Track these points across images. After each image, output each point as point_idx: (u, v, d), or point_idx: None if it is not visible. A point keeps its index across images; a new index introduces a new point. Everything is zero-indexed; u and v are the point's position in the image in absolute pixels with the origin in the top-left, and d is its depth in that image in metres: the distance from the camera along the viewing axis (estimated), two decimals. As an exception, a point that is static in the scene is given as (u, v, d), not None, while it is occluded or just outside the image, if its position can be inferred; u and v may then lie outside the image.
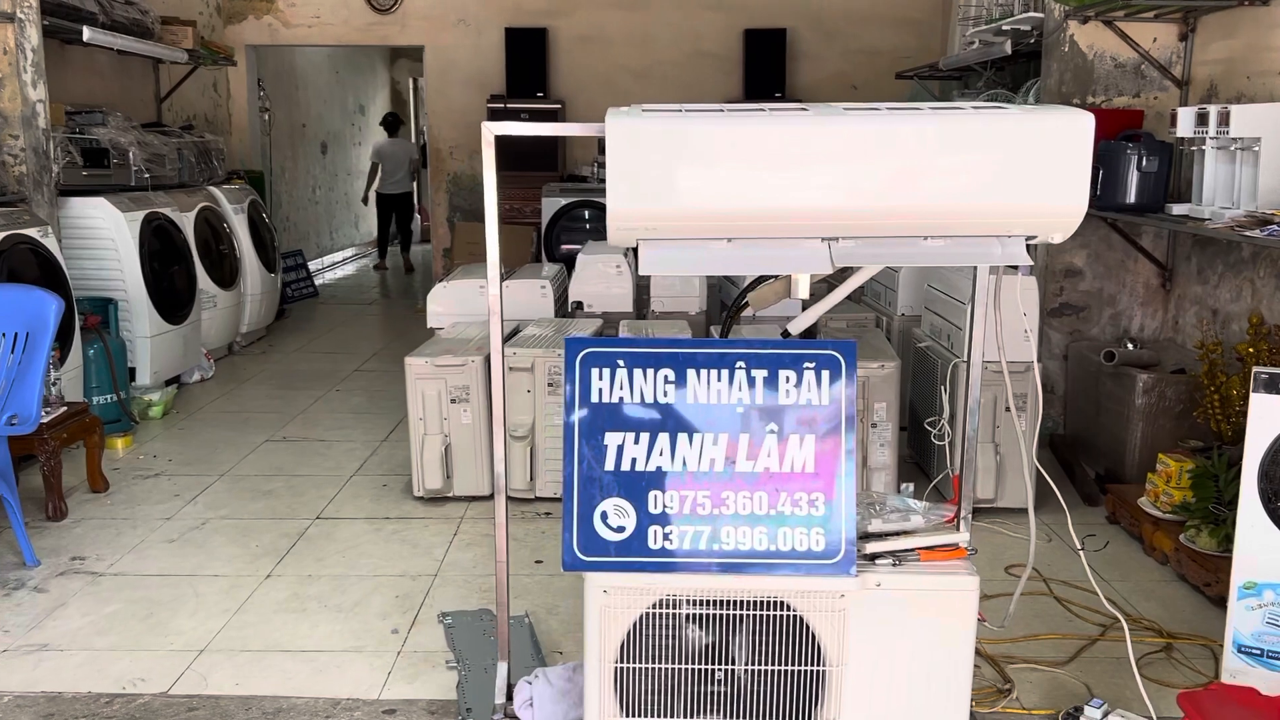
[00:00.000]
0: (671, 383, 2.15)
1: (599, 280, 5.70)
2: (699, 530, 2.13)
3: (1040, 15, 5.36)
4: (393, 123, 12.41)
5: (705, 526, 2.13)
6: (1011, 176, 2.10)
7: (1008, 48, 5.81)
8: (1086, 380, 4.99)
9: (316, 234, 12.20)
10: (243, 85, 9.55)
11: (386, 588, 3.66)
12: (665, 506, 2.13)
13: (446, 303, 5.51)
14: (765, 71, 9.30)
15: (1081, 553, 2.77)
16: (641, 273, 2.15)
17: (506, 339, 4.79)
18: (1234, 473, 3.73)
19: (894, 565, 2.21)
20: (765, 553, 2.13)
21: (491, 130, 2.39)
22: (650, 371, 2.14)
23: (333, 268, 12.56)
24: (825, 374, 2.15)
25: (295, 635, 3.31)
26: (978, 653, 3.08)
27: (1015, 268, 2.41)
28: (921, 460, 4.88)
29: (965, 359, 4.33)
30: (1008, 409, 4.32)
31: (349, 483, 4.76)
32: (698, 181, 2.10)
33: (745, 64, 9.36)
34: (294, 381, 6.73)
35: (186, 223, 6.66)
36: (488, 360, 4.48)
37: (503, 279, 5.82)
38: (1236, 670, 2.95)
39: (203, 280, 6.78)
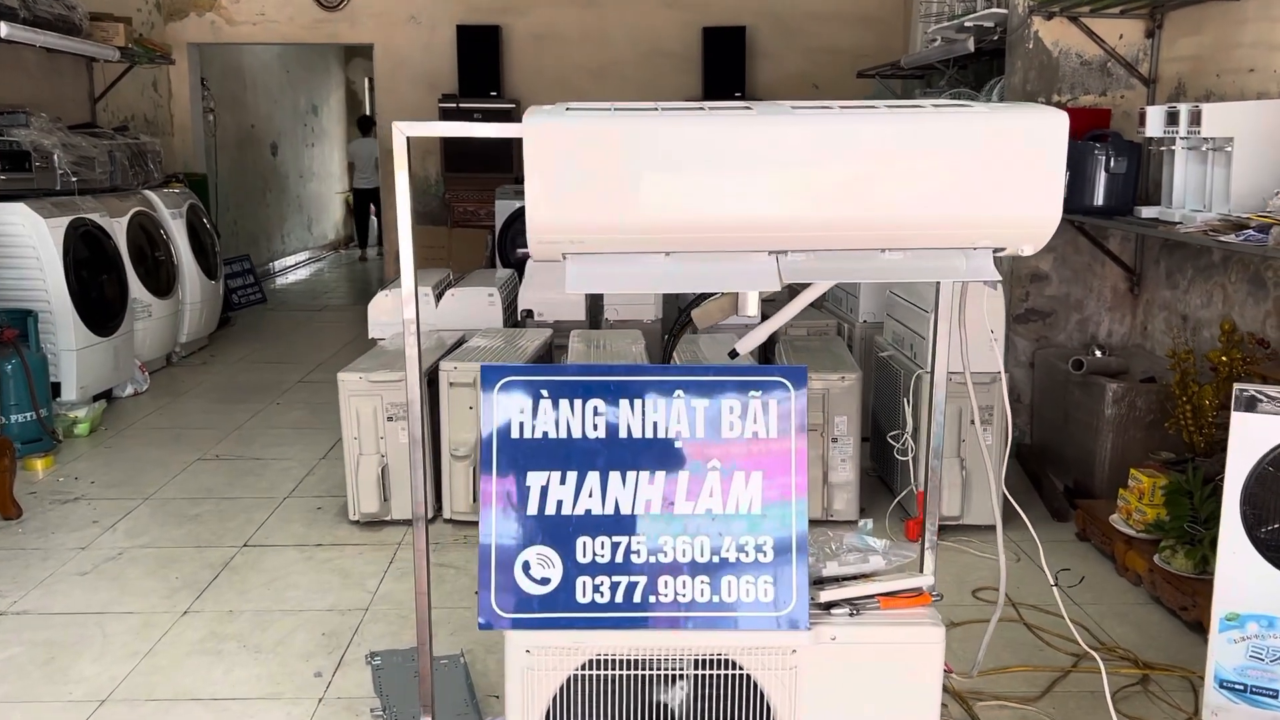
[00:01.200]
0: (601, 415, 1.91)
1: (550, 287, 5.46)
2: (633, 581, 1.90)
3: (1004, 11, 5.19)
4: (365, 123, 13.38)
5: (640, 577, 1.90)
6: (977, 182, 1.89)
7: (970, 45, 5.63)
8: (1054, 389, 4.81)
9: (267, 238, 11.85)
10: (185, 85, 9.20)
11: (312, 624, 3.40)
12: (595, 555, 1.90)
13: (389, 311, 5.25)
14: (724, 70, 9.09)
15: (1056, 588, 2.56)
16: (568, 291, 1.91)
17: (449, 350, 4.54)
18: (1209, 489, 3.56)
19: (851, 615, 1.99)
20: (708, 605, 1.90)
21: (403, 131, 2.14)
22: (578, 403, 1.91)
23: (284, 273, 12.21)
24: (773, 403, 1.93)
25: (208, 681, 3.04)
26: (945, 690, 2.87)
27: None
28: (884, 474, 4.68)
29: (928, 371, 4.15)
30: (973, 422, 4.13)
31: (281, 506, 4.49)
32: (628, 189, 1.87)
33: (704, 63, 9.15)
34: (233, 394, 6.43)
35: (118, 229, 6.35)
36: (426, 374, 4.23)
37: (449, 286, 5.59)
38: (1218, 707, 2.76)
39: (136, 289, 6.46)
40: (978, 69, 6.58)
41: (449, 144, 8.75)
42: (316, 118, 13.84)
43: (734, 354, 2.41)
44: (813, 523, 4.11)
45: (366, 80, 15.17)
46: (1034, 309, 5.06)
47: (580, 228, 1.87)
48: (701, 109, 1.93)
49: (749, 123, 1.89)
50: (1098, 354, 4.67)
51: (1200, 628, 3.26)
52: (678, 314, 2.42)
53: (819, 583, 2.04)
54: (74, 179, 6.08)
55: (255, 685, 3.01)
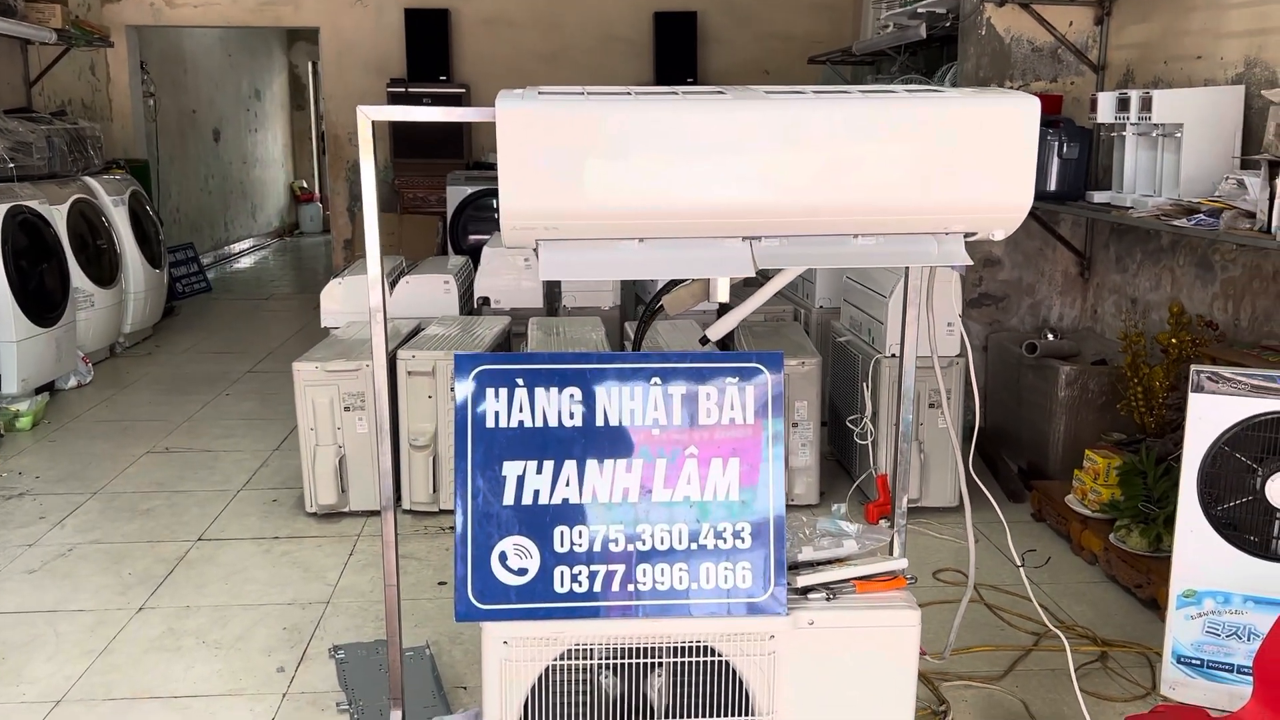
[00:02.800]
0: (579, 403, 1.89)
1: (507, 274, 5.41)
2: (612, 570, 1.89)
3: (956, -2, 5.22)
4: None
5: (619, 565, 1.89)
6: (950, 167, 1.90)
7: (922, 31, 5.67)
8: (1007, 372, 4.88)
9: (210, 226, 11.60)
10: (124, 69, 8.96)
11: (273, 618, 3.35)
12: (573, 544, 1.88)
13: (342, 300, 5.17)
14: (676, 56, 9.07)
15: (1022, 569, 2.60)
16: (542, 278, 1.89)
17: (406, 339, 4.48)
18: (1162, 469, 3.64)
19: (828, 600, 1.99)
20: (686, 592, 1.90)
21: (368, 115, 2.10)
22: (554, 391, 1.88)
23: (228, 260, 11.98)
24: (749, 388, 1.92)
25: (168, 678, 2.98)
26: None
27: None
28: (843, 458, 4.72)
29: (887, 354, 4.19)
30: (931, 405, 4.17)
31: (236, 498, 4.41)
32: (603, 174, 1.85)
33: (656, 48, 9.12)
34: (181, 385, 6.29)
35: (58, 216, 6.17)
36: (386, 363, 4.16)
37: (403, 274, 5.51)
38: (1176, 681, 2.83)
39: (78, 278, 6.29)
40: (929, 55, 6.63)
41: (398, 129, 8.62)
42: (259, 102, 13.57)
43: (705, 340, 2.41)
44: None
45: (310, 64, 14.91)
46: (987, 294, 5.12)
47: (554, 214, 1.85)
48: (675, 93, 1.91)
49: (723, 107, 1.88)
50: (1050, 337, 4.74)
51: (1155, 605, 3.33)
52: (636, 301, 2.40)
53: (795, 568, 2.04)
54: (11, 165, 5.89)
55: (216, 682, 2.95)
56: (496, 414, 1.88)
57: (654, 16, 9.08)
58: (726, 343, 5.24)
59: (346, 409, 4.09)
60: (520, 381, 1.88)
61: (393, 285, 5.29)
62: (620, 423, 1.90)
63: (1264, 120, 3.54)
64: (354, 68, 9.12)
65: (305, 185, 15.33)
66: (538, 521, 1.87)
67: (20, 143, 6.08)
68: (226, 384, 6.32)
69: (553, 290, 5.57)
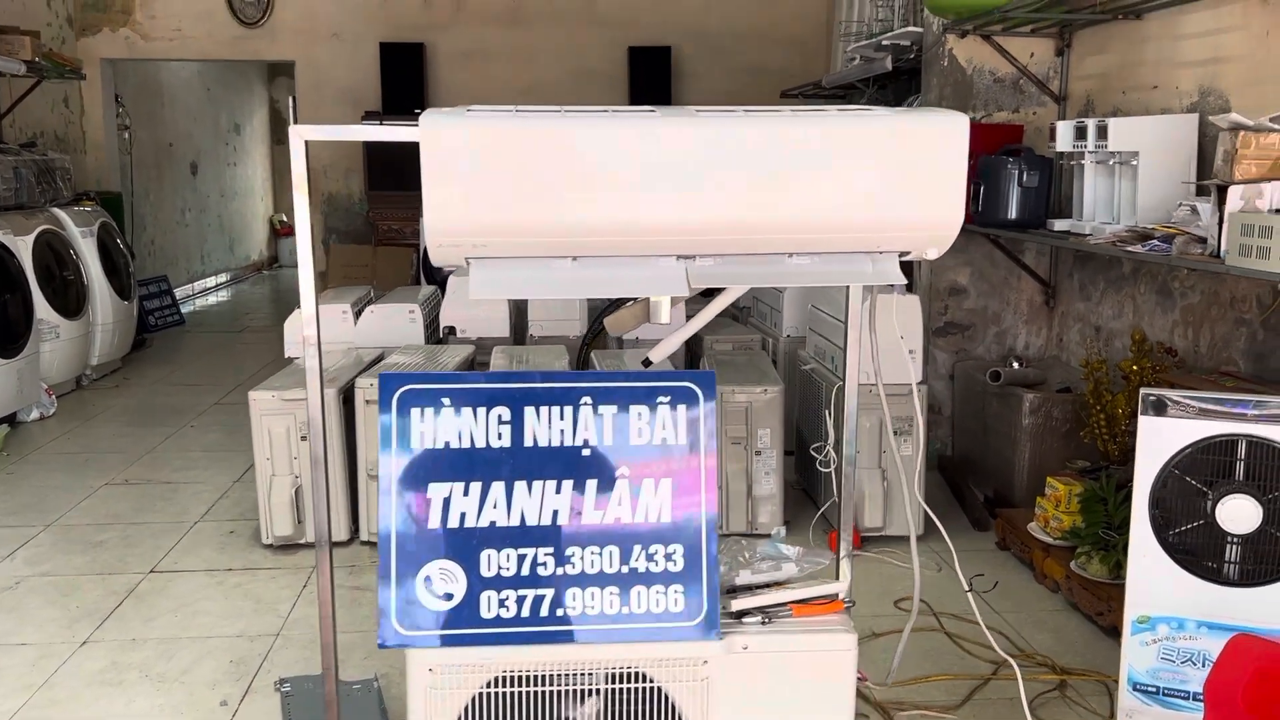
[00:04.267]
0: (506, 423, 1.86)
1: (472, 303, 5.38)
2: (540, 594, 1.85)
3: (919, 30, 5.27)
4: None
5: (548, 590, 1.85)
6: (881, 185, 1.89)
7: (888, 64, 5.71)
8: (973, 400, 4.87)
9: (186, 259, 11.56)
10: (98, 101, 8.95)
11: (221, 651, 3.28)
12: (500, 568, 1.84)
13: (302, 330, 5.13)
14: (651, 90, 9.13)
15: (970, 594, 2.56)
16: (472, 297, 1.86)
17: (367, 368, 4.45)
18: (1122, 495, 3.61)
19: (763, 624, 1.96)
20: (617, 617, 1.86)
21: (302, 135, 2.08)
22: (481, 411, 1.85)
23: (204, 294, 11.93)
24: (681, 408, 1.90)
25: (108, 713, 2.91)
26: (865, 699, 2.86)
27: (891, 286, 2.21)
28: (809, 487, 4.69)
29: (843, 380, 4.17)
30: (896, 433, 4.16)
31: (192, 530, 4.34)
32: (530, 192, 1.83)
33: (630, 82, 9.18)
34: (146, 418, 6.22)
35: (23, 247, 6.13)
36: (342, 392, 4.13)
37: (370, 303, 5.48)
38: (1132, 709, 2.79)
39: (43, 309, 6.24)
40: (897, 88, 6.67)
41: (373, 161, 8.63)
42: (239, 136, 13.58)
43: (647, 363, 2.38)
44: (730, 534, 4.08)
45: (290, 99, 14.94)
46: (953, 322, 5.12)
47: (481, 231, 1.83)
48: (605, 111, 1.90)
49: (653, 124, 1.87)
50: (1015, 366, 4.74)
51: (1115, 632, 3.29)
52: (591, 323, 2.38)
53: (731, 591, 2.01)
54: (-25, 196, 5.85)
55: (157, 716, 2.89)
56: (422, 434, 1.85)
57: (629, 51, 9.14)
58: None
59: (303, 438, 4.04)
60: (446, 401, 1.85)
61: (358, 315, 5.26)
62: (549, 443, 1.87)
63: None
64: (329, 101, 9.14)
65: (285, 219, 15.31)
66: (464, 545, 1.84)
67: (-14, 173, 6.04)
68: (193, 416, 6.26)
69: (519, 319, 5.55)
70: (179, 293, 10.72)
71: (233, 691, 3.03)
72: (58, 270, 6.56)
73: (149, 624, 3.47)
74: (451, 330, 5.32)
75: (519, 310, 5.63)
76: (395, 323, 5.18)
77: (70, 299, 6.65)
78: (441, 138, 1.77)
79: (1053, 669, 3.17)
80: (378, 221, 8.76)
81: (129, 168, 9.75)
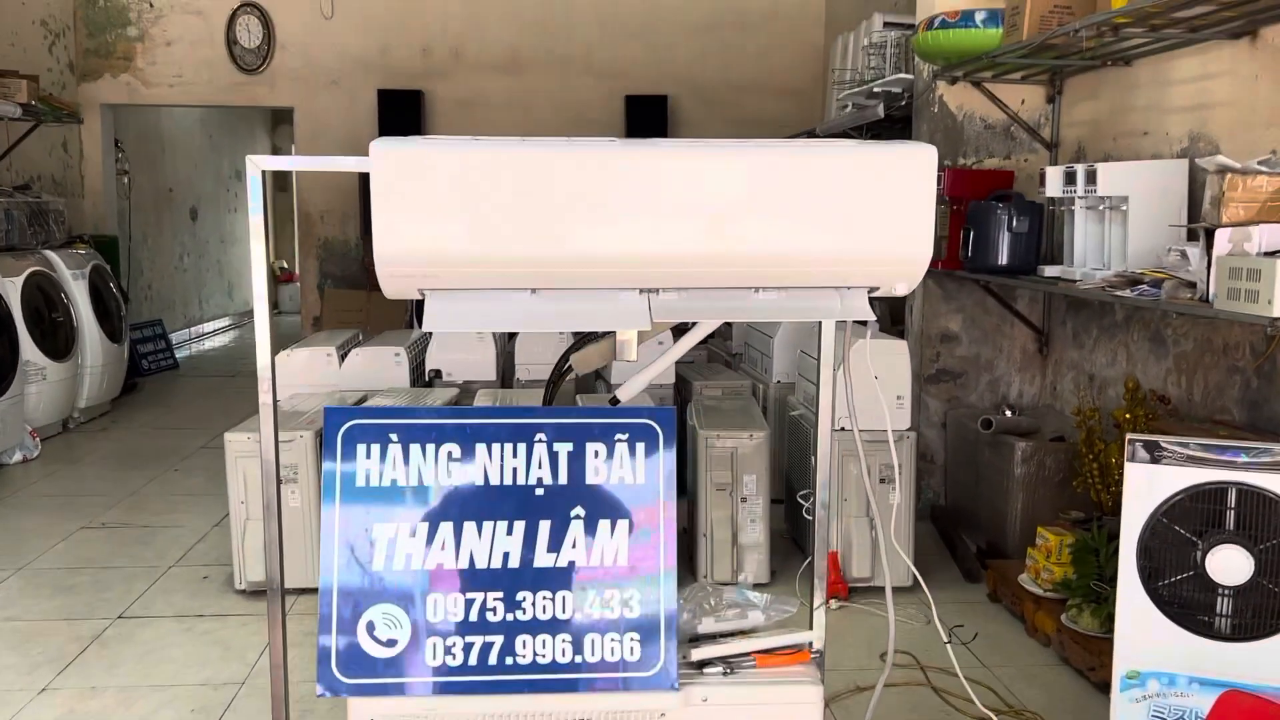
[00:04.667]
0: (456, 460, 1.79)
1: (459, 346, 5.33)
2: (489, 641, 1.76)
3: (910, 77, 5.27)
4: None
5: (497, 636, 1.76)
6: (848, 218, 1.83)
7: (880, 110, 5.71)
8: (965, 449, 4.79)
9: (184, 304, 11.55)
10: (97, 146, 8.99)
11: (182, 700, 3.18)
12: (447, 613, 1.76)
13: (288, 373, 5.08)
14: (647, 138, 9.14)
15: (949, 645, 2.47)
16: (424, 329, 1.80)
17: (347, 412, 4.38)
18: (1114, 546, 3.51)
19: (725, 674, 1.86)
20: (570, 665, 1.77)
21: (258, 165, 2.03)
22: (430, 448, 1.78)
23: (201, 339, 11.90)
24: (640, 446, 1.83)
25: (58, 764, 2.80)
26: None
27: (864, 324, 2.14)
28: (797, 535, 4.59)
29: (835, 428, 4.10)
30: (882, 480, 4.07)
31: (165, 575, 4.25)
32: (485, 221, 1.77)
33: (627, 131, 9.21)
34: (130, 461, 6.15)
35: (11, 289, 6.10)
36: (319, 435, 4.06)
37: (355, 346, 5.43)
38: (1123, 769, 2.67)
39: (30, 351, 6.20)
40: (890, 135, 6.67)
41: (368, 206, 8.61)
42: (240, 183, 13.64)
43: (615, 401, 2.31)
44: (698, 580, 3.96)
45: (293, 148, 15.06)
46: (945, 369, 5.05)
47: (433, 261, 1.77)
48: (564, 140, 1.85)
49: (613, 153, 1.82)
50: (1008, 414, 4.66)
51: (1108, 688, 3.18)
52: (595, 374, 2.32)
53: (694, 640, 1.92)
54: (-37, 236, 5.84)
55: (108, 767, 2.78)
56: (368, 471, 1.78)
57: (625, 100, 9.19)
58: (682, 416, 5.15)
59: (280, 481, 3.95)
60: (394, 437, 1.78)
61: (343, 357, 5.20)
62: (501, 482, 1.79)
63: (1205, 192, 3.52)
64: (328, 148, 9.16)
65: (286, 265, 15.33)
66: (409, 589, 1.75)
67: (-24, 215, 6.04)
68: (177, 459, 6.18)
69: (507, 363, 5.49)
70: (176, 337, 10.70)
71: (191, 742, 2.92)
72: (47, 312, 6.52)
73: (111, 671, 3.37)
74: (438, 373, 5.25)
75: (506, 353, 5.57)
76: (381, 365, 5.12)
77: (59, 341, 6.61)
78: (392, 164, 1.72)
79: (1043, 727, 3.06)
80: (373, 267, 8.73)
81: (127, 212, 9.77)
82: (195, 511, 5.12)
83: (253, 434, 3.99)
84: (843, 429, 4.02)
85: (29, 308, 6.27)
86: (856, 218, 1.83)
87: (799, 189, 1.84)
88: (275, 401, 2.18)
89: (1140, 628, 2.63)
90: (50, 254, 6.81)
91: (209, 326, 12.32)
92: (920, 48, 4.68)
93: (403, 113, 8.96)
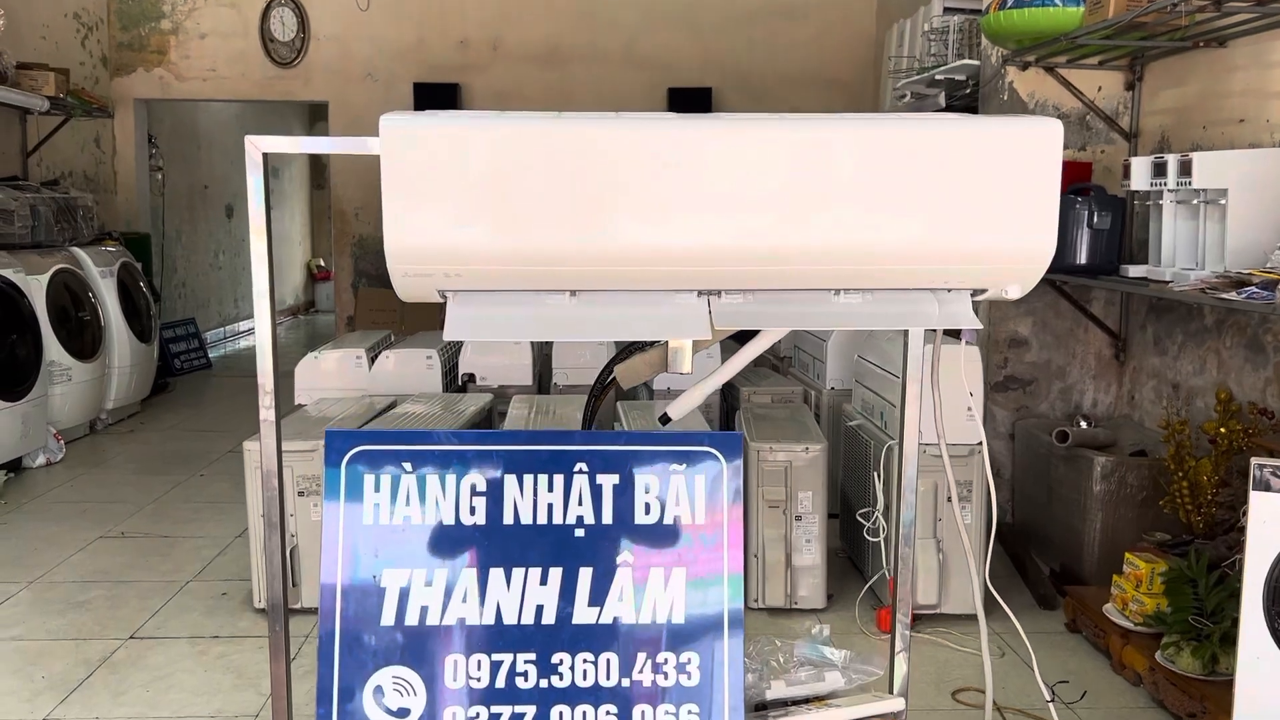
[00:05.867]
0: (482, 494, 1.51)
1: (494, 349, 5.06)
2: (519, 712, 1.47)
3: (976, 63, 4.92)
4: None
5: (529, 707, 1.48)
6: (953, 206, 1.52)
7: (941, 100, 5.37)
8: (1036, 463, 4.43)
9: (219, 302, 11.42)
10: (130, 141, 8.84)
11: (190, 734, 2.93)
12: (470, 678, 1.47)
13: (316, 376, 4.85)
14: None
15: (1051, 705, 2.15)
16: (447, 338, 1.52)
17: (374, 417, 4.13)
18: (1215, 577, 3.17)
19: (800, 753, 1.56)
20: (614, 742, 1.48)
21: (258, 145, 1.76)
22: (451, 478, 1.50)
23: (236, 338, 11.77)
24: (699, 479, 1.53)
25: (51, 808, 2.56)
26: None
27: (957, 333, 1.83)
28: (854, 554, 4.26)
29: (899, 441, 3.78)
30: (949, 499, 3.74)
31: (182, 590, 4.01)
32: (515, 210, 1.49)
33: (670, 124, 8.90)
34: (156, 465, 5.95)
35: (36, 287, 5.91)
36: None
37: (387, 348, 5.19)
38: (1244, 842, 2.33)
39: (55, 351, 6.01)
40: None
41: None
42: (277, 180, 13.51)
43: (665, 419, 2.02)
44: (764, 610, 3.65)
45: (331, 144, 14.89)
46: (1013, 376, 4.70)
47: (454, 258, 1.49)
48: (609, 115, 1.56)
49: (668, 129, 1.53)
50: (1083, 425, 4.30)
51: (1212, 738, 2.85)
52: (600, 373, 2.03)
53: (762, 708, 1.62)
54: (-14, 232, 5.66)
55: (104, 814, 2.53)
56: (376, 507, 1.50)
57: (668, 92, 8.89)
58: (730, 426, 4.84)
59: (300, 493, 3.71)
60: (408, 466, 1.50)
61: (372, 360, 4.96)
62: (534, 521, 1.50)
63: (1321, 183, 3.16)
64: (363, 143, 8.95)
65: (323, 263, 15.21)
66: (425, 647, 1.47)
67: (1, 210, 5.86)
68: (204, 464, 5.97)
69: (544, 365, 5.21)
70: (210, 336, 10.56)
71: (195, 785, 2.67)
72: (73, 311, 6.34)
73: (117, 700, 3.13)
74: (471, 378, 4.99)
75: (544, 356, 5.30)
76: (412, 369, 4.88)
77: (86, 341, 6.42)
78: (405, 143, 1.44)
79: (1141, 783, 2.72)
80: (408, 265, 8.51)
81: (161, 209, 9.62)
82: (218, 520, 4.89)
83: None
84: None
85: (55, 306, 6.09)
86: (963, 205, 1.52)
87: (891, 171, 1.53)
88: (279, 417, 1.92)
89: (1266, 681, 2.29)
90: (78, 251, 6.64)
91: (244, 325, 12.18)
92: (990, 29, 4.33)
93: (439, 106, 8.70)
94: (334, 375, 4.89)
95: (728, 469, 1.55)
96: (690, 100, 8.83)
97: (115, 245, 7.26)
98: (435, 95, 8.73)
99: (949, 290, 1.61)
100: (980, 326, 1.60)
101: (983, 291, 1.62)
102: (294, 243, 14.28)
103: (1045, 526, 4.32)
